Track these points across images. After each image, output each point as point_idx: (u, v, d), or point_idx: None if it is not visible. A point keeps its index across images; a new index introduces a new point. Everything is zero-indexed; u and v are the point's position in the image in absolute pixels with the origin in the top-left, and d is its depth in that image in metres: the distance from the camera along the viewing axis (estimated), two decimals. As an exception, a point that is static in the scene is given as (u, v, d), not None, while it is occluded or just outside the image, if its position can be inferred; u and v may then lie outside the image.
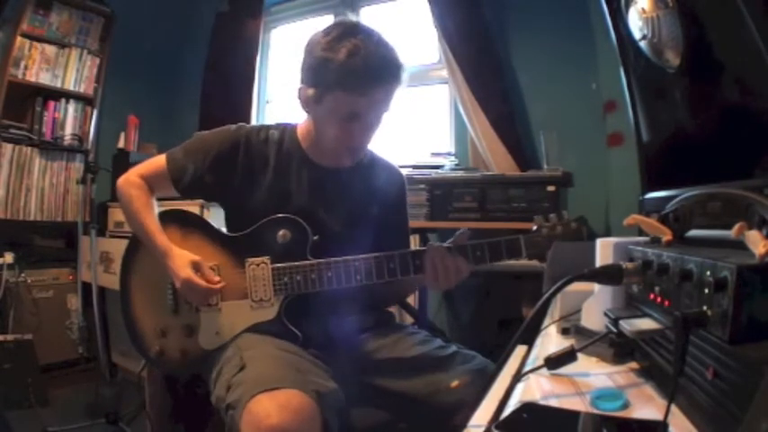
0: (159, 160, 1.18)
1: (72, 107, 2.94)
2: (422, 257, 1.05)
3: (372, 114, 1.06)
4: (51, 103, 2.86)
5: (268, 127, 1.20)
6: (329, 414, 0.89)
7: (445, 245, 1.06)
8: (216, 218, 1.25)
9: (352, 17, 1.08)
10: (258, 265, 1.08)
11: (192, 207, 1.25)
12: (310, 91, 1.06)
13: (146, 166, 1.20)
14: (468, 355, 1.09)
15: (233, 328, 1.09)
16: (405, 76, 1.06)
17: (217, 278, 1.09)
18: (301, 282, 1.06)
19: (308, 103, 1.09)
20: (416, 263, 1.05)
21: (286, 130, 1.20)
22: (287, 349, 1.01)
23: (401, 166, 1.33)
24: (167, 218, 1.17)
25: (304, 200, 1.13)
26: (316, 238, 1.09)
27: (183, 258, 1.08)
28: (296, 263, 1.07)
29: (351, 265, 1.05)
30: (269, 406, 0.83)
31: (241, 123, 1.20)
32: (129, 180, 1.17)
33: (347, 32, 1.02)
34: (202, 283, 1.06)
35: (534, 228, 1.06)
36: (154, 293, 1.17)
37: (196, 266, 1.07)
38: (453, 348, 1.11)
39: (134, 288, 1.20)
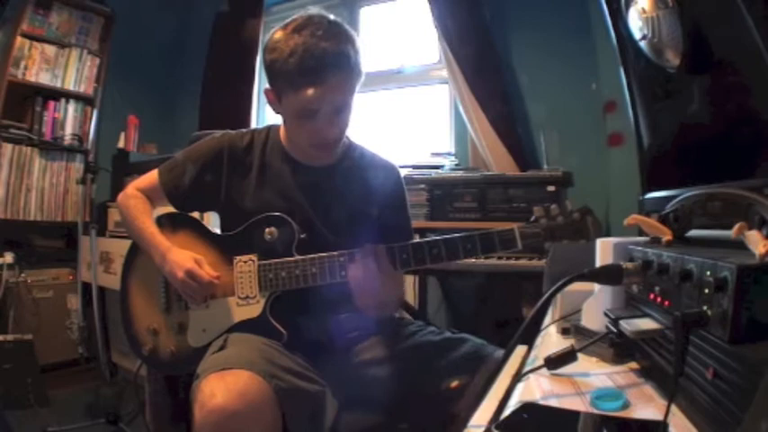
0: (152, 175, 1.23)
1: (72, 107, 2.94)
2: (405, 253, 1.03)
3: (328, 106, 1.04)
4: (51, 103, 2.86)
5: (253, 131, 1.22)
6: (294, 409, 0.89)
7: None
8: (215, 223, 1.27)
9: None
10: (245, 262, 1.09)
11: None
12: (272, 93, 1.08)
13: (141, 180, 1.25)
14: (460, 338, 1.09)
15: (220, 325, 1.09)
16: (354, 60, 1.03)
17: (216, 273, 1.09)
18: (286, 278, 1.06)
19: (274, 104, 1.11)
20: (402, 256, 1.04)
21: (271, 129, 1.22)
22: (271, 345, 1.01)
23: (401, 167, 1.31)
24: (160, 220, 1.20)
25: (290, 198, 1.14)
26: (303, 236, 1.10)
27: (185, 254, 1.10)
28: (281, 259, 1.07)
29: (335, 260, 1.05)
30: (215, 386, 0.84)
31: (226, 131, 1.23)
32: (127, 193, 1.23)
33: (296, 29, 1.01)
34: (204, 275, 1.07)
35: (533, 218, 1.01)
36: (149, 294, 1.19)
37: (198, 262, 1.09)
38: (446, 333, 1.12)
39: (132, 290, 1.23)
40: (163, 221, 1.19)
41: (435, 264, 1.03)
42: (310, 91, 1.00)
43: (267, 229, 1.10)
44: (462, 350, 1.06)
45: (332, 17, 1.05)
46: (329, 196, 1.16)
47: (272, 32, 1.06)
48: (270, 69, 1.04)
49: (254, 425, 0.84)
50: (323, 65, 0.99)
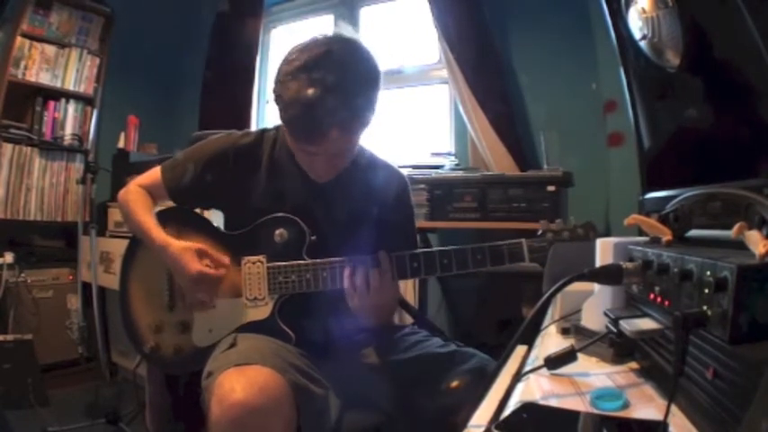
0: (155, 172, 1.22)
1: (72, 107, 2.94)
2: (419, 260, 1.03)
3: (331, 149, 1.03)
4: (51, 103, 2.86)
5: (262, 130, 1.21)
6: (304, 406, 0.89)
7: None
8: (216, 219, 1.25)
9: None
10: (254, 263, 1.09)
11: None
12: None
13: (143, 177, 1.24)
14: (467, 353, 1.07)
15: (227, 325, 1.09)
16: (361, 104, 0.99)
17: (226, 258, 1.09)
18: (296, 282, 1.06)
19: None
20: (413, 265, 1.04)
21: (280, 129, 1.20)
22: (281, 344, 1.01)
23: (401, 166, 1.31)
24: (165, 216, 1.19)
25: (299, 199, 1.13)
26: (313, 238, 1.09)
27: (188, 252, 1.07)
28: (291, 262, 1.07)
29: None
30: (235, 381, 0.84)
31: (232, 130, 1.22)
32: (129, 189, 1.23)
33: (310, 64, 0.96)
34: (213, 272, 1.06)
35: (539, 232, 1.04)
36: (151, 290, 1.18)
37: (201, 254, 1.07)
38: (452, 347, 1.10)
39: (132, 285, 1.22)
40: (168, 217, 1.18)
41: (444, 273, 1.05)
42: (307, 146, 1.05)
43: (277, 231, 1.09)
44: (467, 365, 1.03)
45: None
46: (338, 199, 1.16)
47: (290, 53, 1.01)
48: (275, 98, 1.03)
49: (274, 419, 0.84)
50: (315, 130, 1.00)
